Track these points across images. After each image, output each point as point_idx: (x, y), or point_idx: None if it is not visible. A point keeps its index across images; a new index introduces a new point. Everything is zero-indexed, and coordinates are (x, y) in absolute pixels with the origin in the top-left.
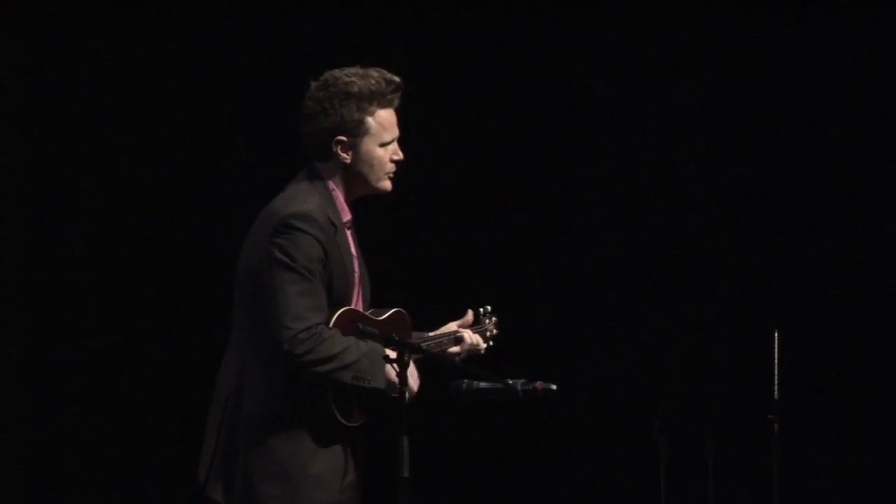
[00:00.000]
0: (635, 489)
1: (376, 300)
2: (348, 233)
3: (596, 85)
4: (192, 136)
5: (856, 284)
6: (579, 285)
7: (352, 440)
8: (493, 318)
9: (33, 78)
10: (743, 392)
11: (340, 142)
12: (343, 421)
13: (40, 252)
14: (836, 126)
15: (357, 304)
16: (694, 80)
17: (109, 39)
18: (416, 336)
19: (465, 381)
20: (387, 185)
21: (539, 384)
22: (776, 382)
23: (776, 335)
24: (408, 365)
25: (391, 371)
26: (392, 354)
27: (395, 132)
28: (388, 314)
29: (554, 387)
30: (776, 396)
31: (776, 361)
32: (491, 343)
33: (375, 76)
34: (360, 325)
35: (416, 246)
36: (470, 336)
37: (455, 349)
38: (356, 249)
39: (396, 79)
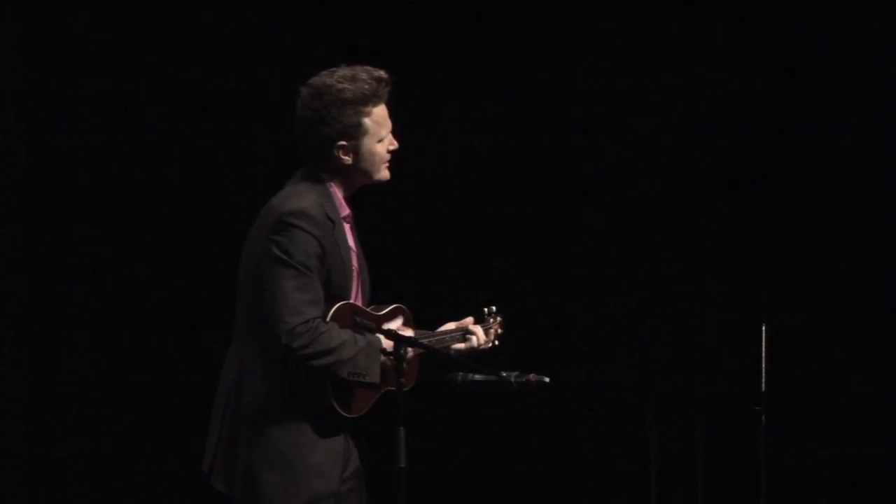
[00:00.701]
0: (626, 479)
1: (379, 297)
2: (347, 227)
3: (589, 82)
4: (192, 135)
5: (842, 279)
6: (571, 279)
7: (352, 430)
8: (498, 318)
9: (33, 77)
10: (731, 384)
11: (342, 146)
12: (342, 412)
13: (40, 251)
14: (824, 119)
15: (356, 298)
16: (683, 77)
17: (109, 39)
18: (418, 333)
19: (461, 373)
20: (385, 174)
21: (532, 376)
22: (763, 375)
23: (763, 329)
24: (404, 359)
25: (385, 365)
26: (389, 348)
27: (389, 125)
28: (387, 310)
29: (547, 379)
30: (763, 389)
31: (763, 354)
32: (496, 342)
33: (364, 77)
34: (358, 319)
35: (414, 243)
36: (482, 332)
37: (460, 345)
38: (355, 244)
39: (383, 74)
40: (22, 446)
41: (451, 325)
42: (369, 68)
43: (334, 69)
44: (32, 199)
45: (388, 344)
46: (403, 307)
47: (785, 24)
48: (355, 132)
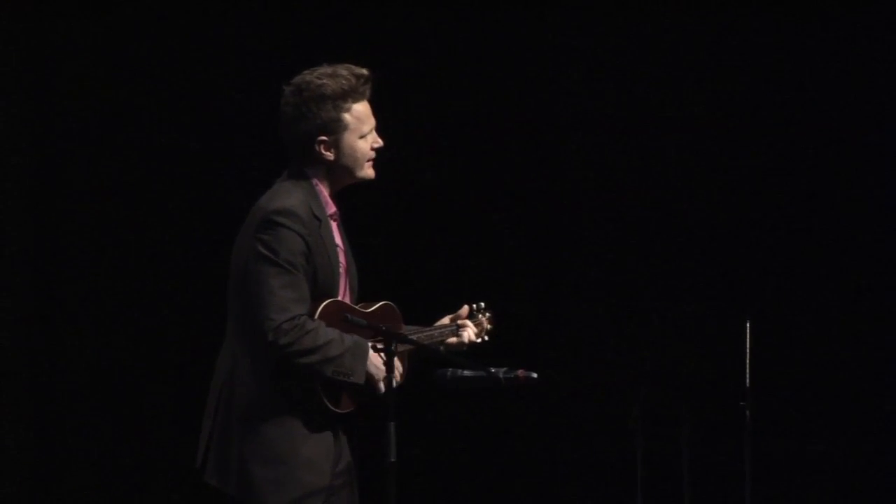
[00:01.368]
0: (612, 474)
1: (368, 295)
2: (334, 224)
3: (577, 84)
4: (187, 136)
5: (824, 276)
6: (558, 277)
7: (344, 425)
8: (488, 314)
9: (33, 78)
10: (716, 380)
11: (322, 142)
12: (331, 407)
13: (40, 250)
14: (807, 119)
15: (344, 295)
16: (669, 75)
17: (108, 39)
18: (410, 330)
19: (450, 369)
20: (369, 172)
21: (521, 372)
22: (748, 371)
23: (748, 326)
24: (394, 355)
25: (376, 365)
26: (380, 344)
27: (372, 122)
28: (376, 307)
29: (535, 375)
30: (748, 384)
31: (748, 351)
32: (486, 338)
33: (344, 73)
34: (349, 316)
35: (402, 241)
36: (471, 328)
37: (452, 340)
38: (342, 241)
39: (364, 71)
40: (23, 444)
41: (446, 320)
42: (350, 66)
43: (316, 67)
44: (34, 197)
45: (376, 355)
46: (392, 304)
47: (760, 25)
48: (335, 127)
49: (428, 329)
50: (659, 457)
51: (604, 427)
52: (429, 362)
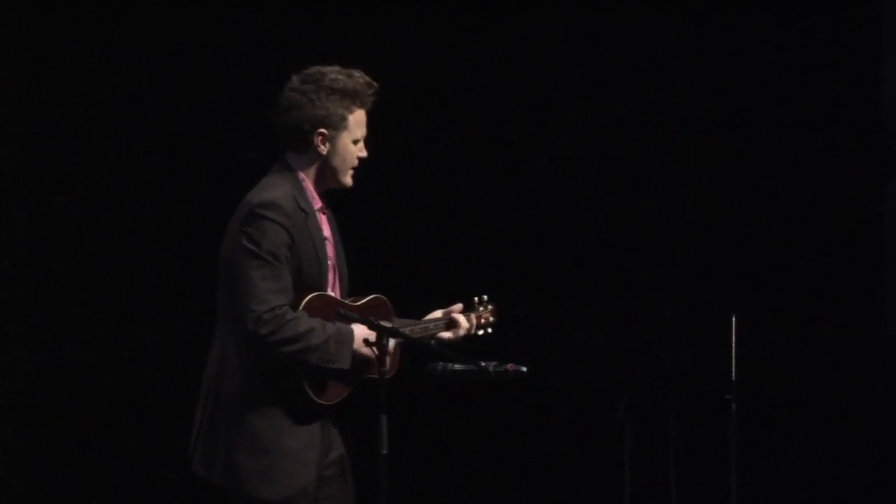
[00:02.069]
0: (601, 465)
1: (363, 290)
2: (322, 218)
3: (565, 86)
4: (182, 134)
5: (808, 274)
6: (549, 275)
7: (332, 417)
8: (490, 307)
9: (33, 77)
10: (702, 374)
11: (321, 134)
12: (315, 398)
13: (40, 249)
14: (791, 119)
15: (333, 289)
16: (656, 72)
17: (108, 39)
18: (402, 322)
19: (441, 363)
20: (349, 180)
21: (510, 366)
22: (734, 364)
23: (733, 320)
24: (386, 348)
25: (364, 354)
26: (371, 338)
27: (365, 132)
28: (365, 300)
29: (525, 369)
30: (734, 377)
31: (734, 345)
32: (490, 330)
33: (358, 77)
34: (341, 310)
35: (399, 236)
36: (465, 320)
37: (447, 334)
38: (332, 234)
39: (375, 84)
40: (24, 441)
41: (438, 313)
42: (364, 74)
43: (329, 66)
44: (32, 196)
45: (369, 333)
46: (383, 297)
47: (748, 26)
48: (337, 123)
49: (420, 322)
50: (646, 448)
51: (592, 419)
52: (419, 355)
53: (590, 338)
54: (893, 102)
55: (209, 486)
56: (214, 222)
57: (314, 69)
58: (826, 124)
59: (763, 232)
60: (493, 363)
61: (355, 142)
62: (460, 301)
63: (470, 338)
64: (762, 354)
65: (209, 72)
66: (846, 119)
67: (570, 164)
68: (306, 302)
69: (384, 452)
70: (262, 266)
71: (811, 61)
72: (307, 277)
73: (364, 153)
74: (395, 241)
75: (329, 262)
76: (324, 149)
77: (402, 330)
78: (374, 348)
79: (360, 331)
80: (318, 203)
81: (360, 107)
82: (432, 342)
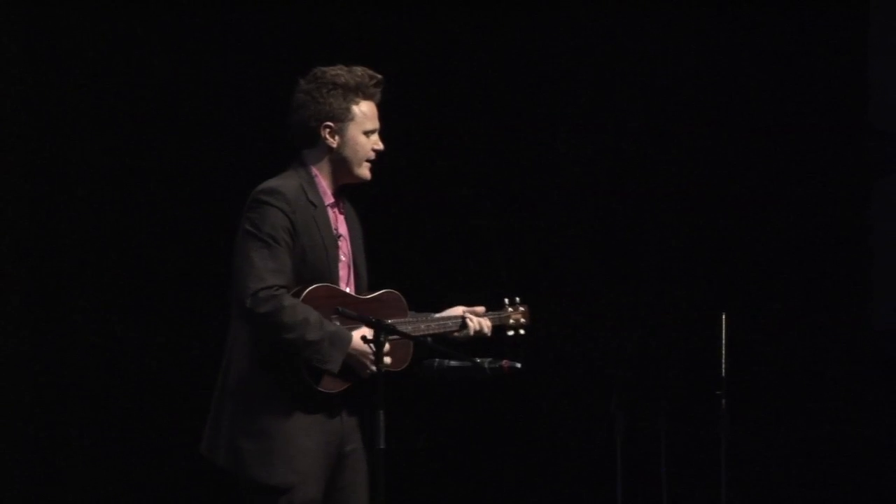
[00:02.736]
0: (594, 459)
1: (384, 284)
2: (333, 212)
3: (568, 88)
4: (188, 132)
5: (797, 272)
6: (543, 271)
7: (348, 407)
8: (521, 308)
9: (33, 77)
10: (693, 370)
11: (328, 127)
12: (314, 386)
13: (40, 247)
14: (780, 116)
15: (348, 285)
16: (652, 72)
17: (107, 39)
18: (418, 317)
19: (437, 359)
20: (366, 172)
21: (505, 362)
22: (724, 361)
23: (724, 318)
24: (383, 345)
25: (360, 360)
26: (369, 334)
27: (377, 124)
28: (374, 294)
29: (519, 365)
30: (723, 374)
31: (724, 342)
32: (522, 332)
33: (359, 71)
34: (340, 308)
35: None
36: (475, 321)
37: (467, 330)
38: (349, 232)
39: (378, 75)
40: (24, 436)
41: (459, 310)
42: (367, 68)
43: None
44: (32, 199)
45: (367, 331)
46: (395, 292)
47: (738, 27)
48: (342, 115)
49: (434, 319)
50: (638, 443)
51: (586, 415)
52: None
53: (584, 335)
54: (880, 103)
55: (212, 480)
56: (214, 222)
57: (316, 69)
58: (814, 124)
59: (753, 230)
60: (489, 359)
61: (366, 133)
62: (487, 301)
63: (486, 338)
64: (752, 351)
65: (210, 72)
66: (834, 119)
67: (568, 164)
68: (309, 291)
69: (381, 447)
70: (262, 247)
71: (801, 63)
72: (312, 269)
73: (379, 145)
74: (398, 240)
75: (343, 259)
76: (333, 141)
77: (400, 327)
78: (372, 345)
79: (360, 335)
80: (330, 198)
81: (365, 98)
82: (429, 339)
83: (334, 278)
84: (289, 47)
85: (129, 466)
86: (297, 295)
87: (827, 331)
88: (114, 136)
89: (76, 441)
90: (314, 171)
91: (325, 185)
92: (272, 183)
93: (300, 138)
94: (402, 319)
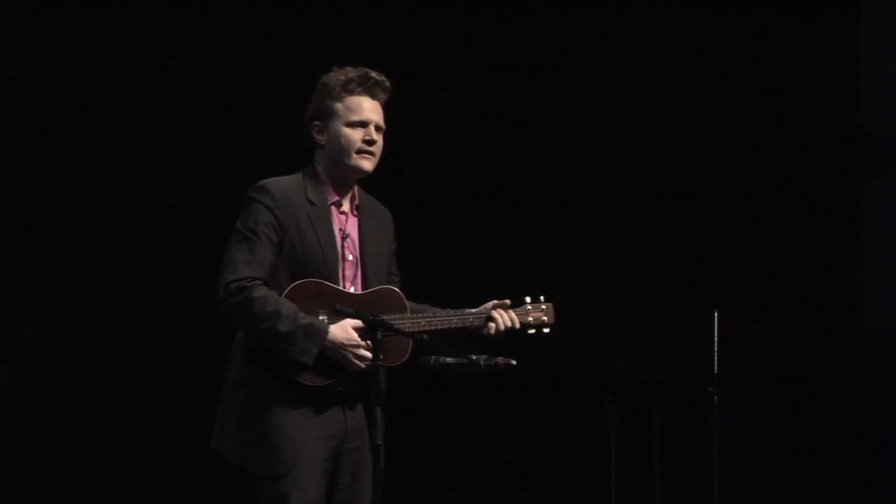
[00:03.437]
0: (588, 456)
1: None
2: (337, 211)
3: (556, 86)
4: (192, 135)
5: (788, 268)
6: (538, 267)
7: (351, 402)
8: (543, 307)
9: (33, 77)
10: (685, 367)
11: (316, 126)
12: (295, 378)
13: (39, 247)
14: (772, 116)
15: (353, 283)
16: (644, 74)
17: (108, 39)
18: (428, 311)
19: (433, 356)
20: (360, 163)
21: (501, 360)
22: (715, 358)
23: (715, 316)
24: (380, 342)
25: (339, 353)
26: (354, 327)
27: (366, 116)
28: (369, 291)
29: (514, 362)
30: (716, 371)
31: (716, 339)
32: (546, 330)
33: (350, 70)
34: (338, 306)
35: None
36: (504, 317)
37: (490, 326)
38: (358, 231)
39: (375, 74)
40: (23, 441)
41: (487, 305)
42: (364, 68)
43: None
44: (32, 198)
45: (356, 324)
46: (393, 289)
47: (729, 28)
48: (326, 113)
49: (435, 315)
50: (631, 439)
51: (581, 412)
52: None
53: (577, 332)
54: (870, 103)
55: (212, 480)
56: (215, 222)
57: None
58: (806, 124)
59: (746, 229)
60: (484, 356)
61: (350, 125)
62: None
63: (514, 334)
64: (743, 348)
65: (211, 71)
66: (825, 119)
67: (564, 162)
68: (294, 286)
69: (378, 443)
70: (241, 241)
71: (792, 65)
72: (305, 265)
73: (371, 136)
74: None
75: (350, 258)
76: (321, 139)
77: (397, 323)
78: (368, 342)
79: (339, 329)
80: (334, 197)
81: (351, 94)
82: (425, 336)
83: (333, 276)
84: (292, 48)
85: (129, 466)
86: (282, 290)
87: (818, 328)
88: (114, 136)
89: (76, 441)
90: (319, 170)
91: (329, 183)
92: (264, 181)
93: (307, 142)
94: (399, 316)
